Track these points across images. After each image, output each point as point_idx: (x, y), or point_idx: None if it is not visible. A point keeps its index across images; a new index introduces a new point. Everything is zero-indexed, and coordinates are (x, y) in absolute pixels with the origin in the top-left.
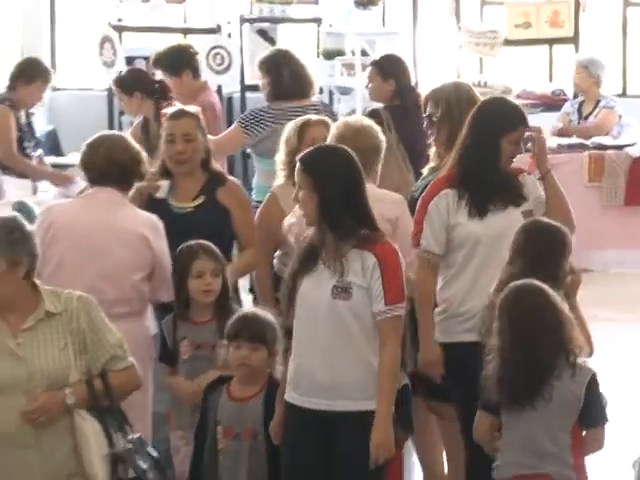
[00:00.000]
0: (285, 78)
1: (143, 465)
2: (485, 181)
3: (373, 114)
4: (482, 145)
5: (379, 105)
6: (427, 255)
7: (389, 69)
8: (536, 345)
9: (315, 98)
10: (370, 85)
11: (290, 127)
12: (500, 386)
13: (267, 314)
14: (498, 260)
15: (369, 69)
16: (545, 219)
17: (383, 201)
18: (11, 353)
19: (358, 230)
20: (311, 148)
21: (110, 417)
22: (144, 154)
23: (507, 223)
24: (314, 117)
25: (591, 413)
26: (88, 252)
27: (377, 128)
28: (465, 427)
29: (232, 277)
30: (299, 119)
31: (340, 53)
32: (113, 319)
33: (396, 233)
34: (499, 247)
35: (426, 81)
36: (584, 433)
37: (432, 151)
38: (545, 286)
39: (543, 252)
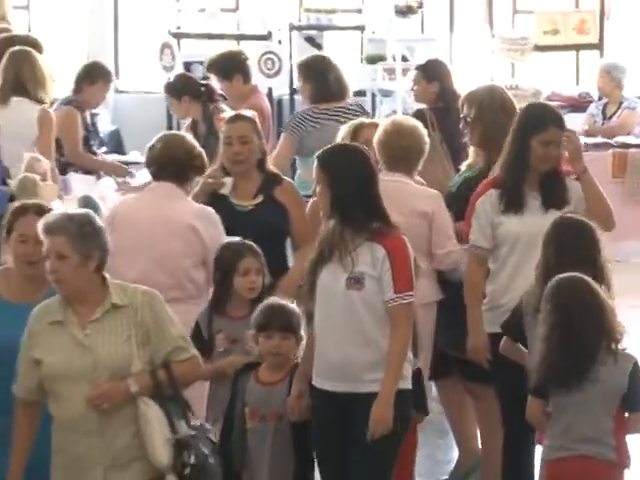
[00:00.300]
0: (330, 82)
1: (205, 451)
2: (517, 180)
3: (418, 114)
4: (515, 145)
5: (423, 106)
6: (475, 250)
7: (433, 73)
8: (579, 331)
9: (351, 100)
10: (415, 87)
11: (345, 129)
12: (547, 371)
13: (291, 303)
14: (536, 258)
15: (414, 73)
16: (574, 215)
17: (419, 196)
18: (79, 343)
19: (370, 224)
20: (329, 146)
21: (173, 405)
22: (200, 150)
23: (546, 223)
24: (367, 120)
25: (635, 398)
26: (142, 241)
27: (422, 128)
28: (505, 410)
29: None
30: (353, 122)
31: (382, 58)
32: (169, 303)
33: (432, 226)
34: (538, 246)
35: (461, 85)
36: (627, 416)
37: (471, 149)
38: (588, 277)
39: (570, 247)
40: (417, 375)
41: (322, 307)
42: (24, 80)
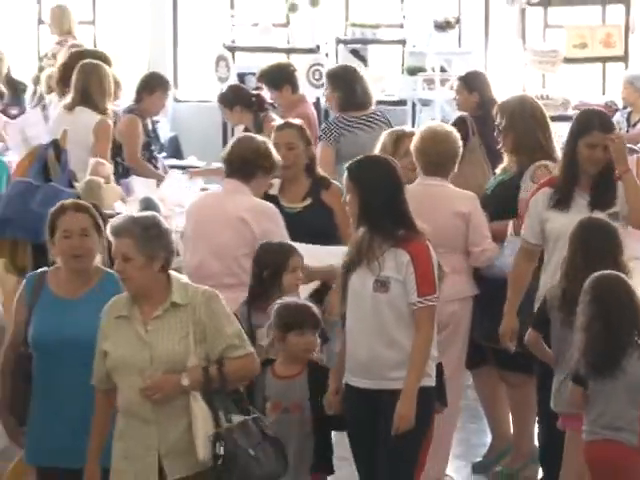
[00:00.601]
0: (357, 92)
1: (241, 443)
2: (568, 179)
3: (460, 121)
4: (566, 148)
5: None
6: (525, 244)
7: (473, 84)
8: (616, 324)
9: (374, 108)
10: (457, 97)
11: (386, 137)
12: (586, 359)
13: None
14: None
15: (457, 83)
16: (599, 217)
17: (456, 198)
18: (139, 338)
19: (397, 231)
20: (358, 158)
21: (220, 400)
22: (269, 149)
23: None
24: (407, 129)
25: None
26: (202, 232)
27: (456, 134)
28: (541, 397)
29: None
30: (394, 130)
31: (422, 70)
32: (222, 289)
33: (469, 226)
34: None
35: (496, 94)
36: None
37: (505, 154)
38: (622, 275)
39: (595, 247)
40: (438, 369)
41: (352, 309)
42: (91, 91)
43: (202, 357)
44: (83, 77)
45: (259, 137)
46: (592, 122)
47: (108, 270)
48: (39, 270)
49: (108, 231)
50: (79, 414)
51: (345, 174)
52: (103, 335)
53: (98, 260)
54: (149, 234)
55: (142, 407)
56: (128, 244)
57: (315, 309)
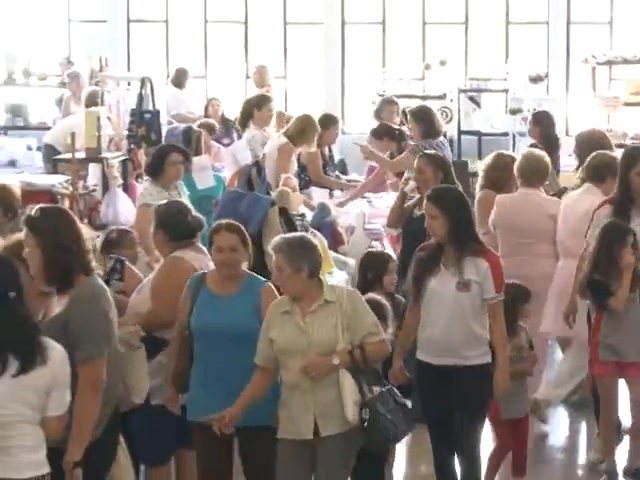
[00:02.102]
0: (436, 124)
1: (381, 410)
2: (623, 200)
3: (532, 146)
4: (620, 175)
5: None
6: (588, 246)
7: (539, 119)
8: None
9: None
10: (528, 128)
11: (495, 161)
12: None
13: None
14: None
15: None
16: (620, 221)
17: (548, 202)
18: (299, 328)
19: (473, 245)
20: (437, 187)
21: (363, 375)
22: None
23: None
24: (506, 153)
25: None
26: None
27: (547, 157)
28: None
29: None
30: (502, 156)
31: (520, 111)
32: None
33: (555, 225)
34: None
35: (575, 129)
36: None
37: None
38: None
39: (611, 249)
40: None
41: (432, 305)
42: (293, 128)
43: (348, 342)
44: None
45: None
46: (637, 155)
47: (250, 273)
48: (200, 273)
49: (269, 247)
50: (228, 383)
51: (426, 201)
52: (270, 326)
53: (244, 266)
54: (294, 250)
55: (302, 381)
56: (279, 258)
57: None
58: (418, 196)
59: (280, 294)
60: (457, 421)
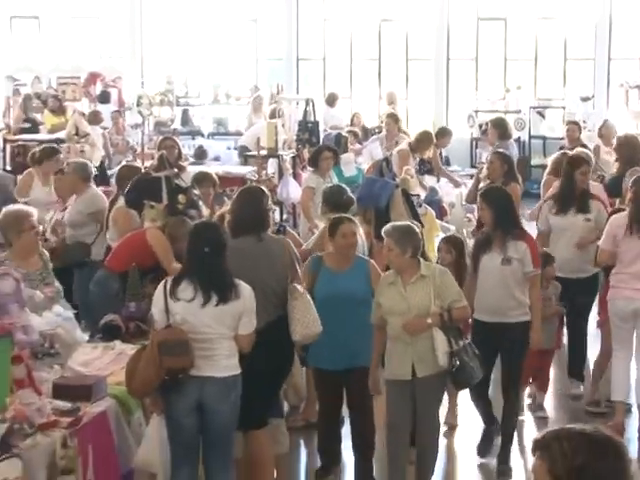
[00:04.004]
0: (508, 130)
1: (466, 359)
2: None
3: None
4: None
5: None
6: None
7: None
8: None
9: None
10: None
11: (556, 156)
12: None
13: None
14: None
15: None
16: None
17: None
18: (401, 295)
19: (515, 230)
20: (486, 187)
21: (451, 331)
22: None
23: None
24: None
25: None
26: None
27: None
28: None
29: None
30: (564, 153)
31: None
32: None
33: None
34: None
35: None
36: None
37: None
38: None
39: None
40: None
41: (484, 278)
42: (415, 139)
43: (438, 306)
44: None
45: None
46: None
47: (359, 255)
48: (317, 255)
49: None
50: (345, 337)
51: (479, 197)
52: (379, 293)
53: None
54: (402, 236)
55: (403, 335)
56: (390, 241)
57: None
58: (488, 181)
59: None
60: (504, 364)
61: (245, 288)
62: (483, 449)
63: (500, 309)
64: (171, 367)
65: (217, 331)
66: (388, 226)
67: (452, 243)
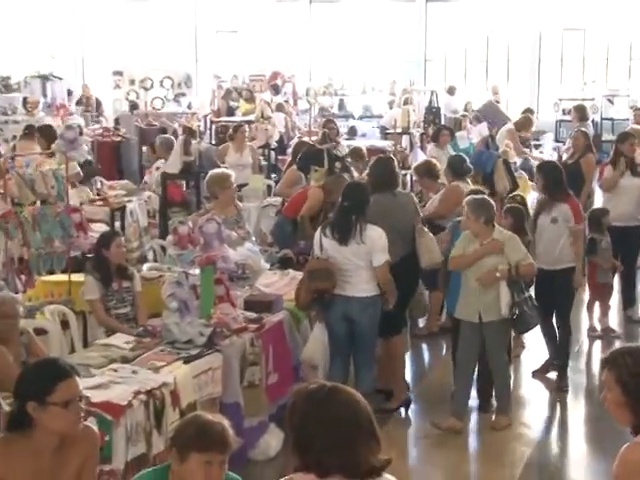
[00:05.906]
0: (586, 113)
1: (526, 309)
2: None
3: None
4: None
5: None
6: None
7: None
8: None
9: None
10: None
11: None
12: None
13: None
14: None
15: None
16: None
17: None
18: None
19: (562, 195)
20: (542, 162)
21: (516, 285)
22: None
23: None
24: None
25: None
26: None
27: None
28: None
29: None
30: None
31: (637, 107)
32: None
33: None
34: None
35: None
36: None
37: None
38: None
39: None
40: None
41: (539, 232)
42: (519, 120)
43: (506, 263)
44: None
45: None
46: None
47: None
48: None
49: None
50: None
51: (535, 171)
52: (460, 248)
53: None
54: (477, 206)
55: (475, 286)
56: (468, 209)
57: None
58: (571, 151)
59: None
60: (559, 301)
61: (376, 231)
62: (544, 368)
63: (552, 259)
64: (317, 288)
65: (355, 263)
66: (469, 197)
67: (511, 212)
